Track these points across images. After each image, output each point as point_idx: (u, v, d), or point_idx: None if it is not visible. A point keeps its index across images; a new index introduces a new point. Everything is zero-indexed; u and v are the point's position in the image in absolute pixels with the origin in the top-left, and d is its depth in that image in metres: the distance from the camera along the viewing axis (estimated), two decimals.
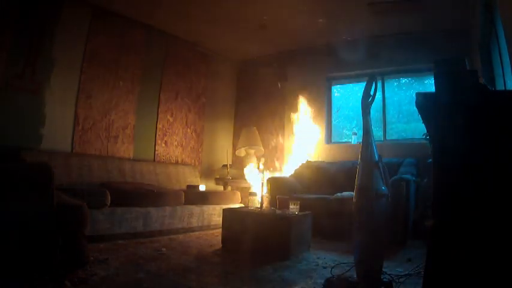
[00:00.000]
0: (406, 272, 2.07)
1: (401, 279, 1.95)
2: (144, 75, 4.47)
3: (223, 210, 3.03)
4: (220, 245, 2.91)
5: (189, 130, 5.03)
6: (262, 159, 4.05)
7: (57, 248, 1.75)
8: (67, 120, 3.71)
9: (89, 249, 2.09)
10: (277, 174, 4.87)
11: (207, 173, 5.23)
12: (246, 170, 4.87)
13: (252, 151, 5.10)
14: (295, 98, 5.11)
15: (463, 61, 1.33)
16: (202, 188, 4.44)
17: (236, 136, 5.57)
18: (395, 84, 4.91)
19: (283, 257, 2.47)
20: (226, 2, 3.91)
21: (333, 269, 2.17)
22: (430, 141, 1.40)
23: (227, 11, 4.10)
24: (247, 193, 3.85)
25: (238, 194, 4.52)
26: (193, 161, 5.06)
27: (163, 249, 2.72)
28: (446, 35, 4.05)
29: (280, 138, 5.31)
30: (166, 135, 4.73)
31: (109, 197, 2.96)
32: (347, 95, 5.33)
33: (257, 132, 5.16)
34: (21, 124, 3.34)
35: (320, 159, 4.74)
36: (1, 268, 1.63)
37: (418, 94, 1.30)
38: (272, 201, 3.46)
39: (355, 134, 4.61)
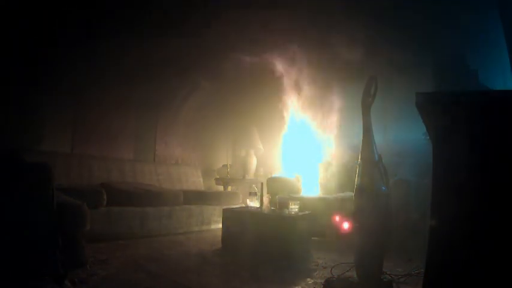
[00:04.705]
0: (406, 272, 2.07)
1: (401, 279, 1.95)
2: (144, 74, 4.47)
3: (223, 210, 3.03)
4: (220, 245, 2.90)
5: (189, 130, 5.03)
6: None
7: (57, 248, 1.75)
8: (67, 120, 3.71)
9: (88, 249, 2.09)
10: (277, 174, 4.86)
11: (207, 173, 5.23)
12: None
13: (252, 151, 5.11)
14: (296, 98, 5.11)
15: (463, 61, 1.33)
16: (201, 188, 4.44)
17: (236, 136, 5.57)
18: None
19: (283, 257, 2.47)
20: (227, 2, 3.92)
21: (333, 269, 2.17)
22: (430, 141, 1.40)
23: (228, 10, 4.09)
24: (247, 193, 3.85)
25: (239, 194, 4.52)
26: (193, 161, 5.06)
27: (163, 249, 2.72)
28: (447, 34, 4.04)
29: (280, 137, 5.31)
30: (166, 135, 4.72)
31: (105, 197, 2.96)
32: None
33: (257, 132, 5.17)
34: (21, 124, 3.34)
35: None
36: (1, 269, 1.63)
37: (418, 94, 1.30)
38: (272, 201, 3.46)
39: None
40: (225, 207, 3.36)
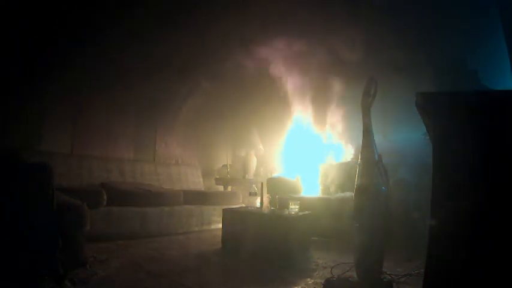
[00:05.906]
0: (406, 272, 2.07)
1: (401, 279, 1.95)
2: (144, 74, 4.46)
3: (223, 210, 3.03)
4: (220, 245, 2.90)
5: (189, 130, 5.03)
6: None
7: (57, 248, 1.75)
8: (67, 120, 3.71)
9: (88, 249, 2.09)
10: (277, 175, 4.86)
11: (207, 173, 5.23)
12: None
13: (252, 151, 5.11)
14: (296, 97, 5.11)
15: (464, 61, 1.33)
16: (201, 188, 4.44)
17: (236, 136, 5.57)
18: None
19: (283, 257, 2.47)
20: (227, 2, 3.91)
21: (333, 269, 2.17)
22: (430, 141, 1.40)
23: (228, 10, 4.09)
24: (247, 193, 3.85)
25: (239, 194, 4.52)
26: (193, 161, 5.06)
27: (163, 249, 2.72)
28: (447, 34, 4.04)
29: (280, 137, 5.31)
30: (166, 135, 4.72)
31: (105, 197, 2.96)
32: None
33: (257, 132, 5.17)
34: (21, 124, 3.34)
35: None
36: (1, 269, 1.63)
37: (418, 94, 1.30)
38: (272, 201, 3.46)
39: None
40: (225, 207, 3.36)
